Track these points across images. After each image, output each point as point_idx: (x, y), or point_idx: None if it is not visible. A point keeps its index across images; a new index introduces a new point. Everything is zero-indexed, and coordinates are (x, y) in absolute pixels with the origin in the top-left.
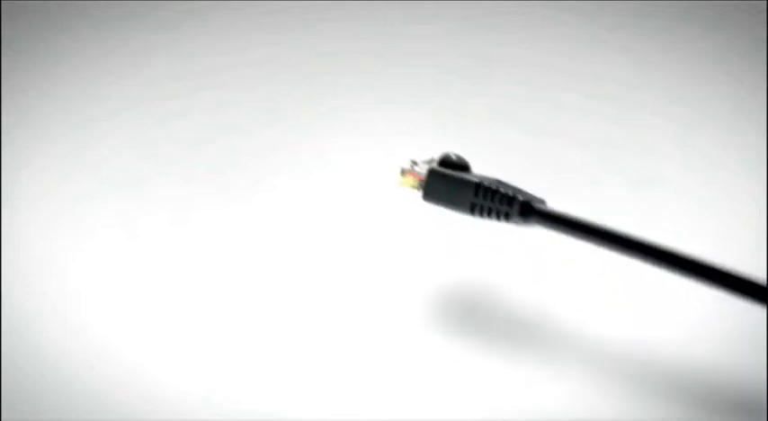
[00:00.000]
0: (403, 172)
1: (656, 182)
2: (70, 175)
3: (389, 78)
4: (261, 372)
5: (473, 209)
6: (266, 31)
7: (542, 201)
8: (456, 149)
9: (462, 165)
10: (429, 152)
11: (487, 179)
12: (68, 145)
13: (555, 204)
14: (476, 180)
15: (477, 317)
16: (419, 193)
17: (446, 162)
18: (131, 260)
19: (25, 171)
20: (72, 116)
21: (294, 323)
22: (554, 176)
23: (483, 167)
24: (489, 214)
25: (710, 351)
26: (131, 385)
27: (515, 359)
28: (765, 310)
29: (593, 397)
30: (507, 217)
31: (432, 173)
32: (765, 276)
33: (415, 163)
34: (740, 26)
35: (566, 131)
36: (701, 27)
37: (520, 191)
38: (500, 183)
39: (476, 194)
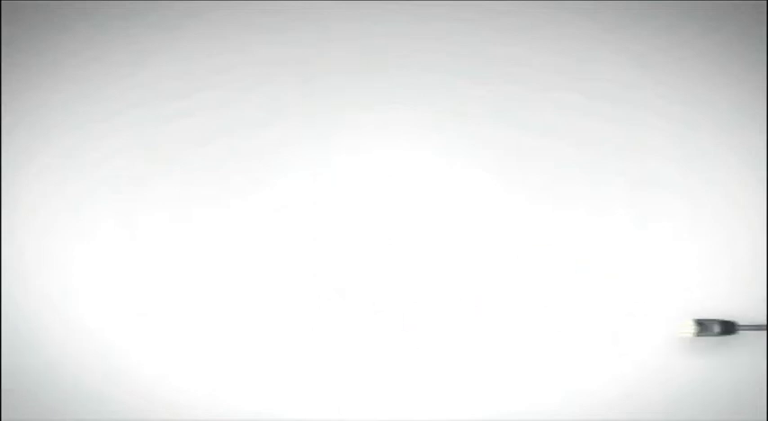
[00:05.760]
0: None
1: (656, 182)
2: (70, 175)
3: (390, 78)
4: (261, 371)
5: None
6: (266, 31)
7: None
8: (456, 149)
9: None
10: (429, 152)
11: None
12: (68, 145)
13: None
14: None
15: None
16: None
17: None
18: (131, 259)
19: (25, 171)
20: (72, 116)
21: (292, 322)
22: (554, 176)
23: (483, 167)
24: None
25: (710, 351)
26: (131, 384)
27: (513, 358)
28: (765, 310)
29: (592, 396)
30: None
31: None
32: (765, 276)
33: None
34: (740, 26)
35: (566, 131)
36: (701, 27)
37: None
38: None
39: None
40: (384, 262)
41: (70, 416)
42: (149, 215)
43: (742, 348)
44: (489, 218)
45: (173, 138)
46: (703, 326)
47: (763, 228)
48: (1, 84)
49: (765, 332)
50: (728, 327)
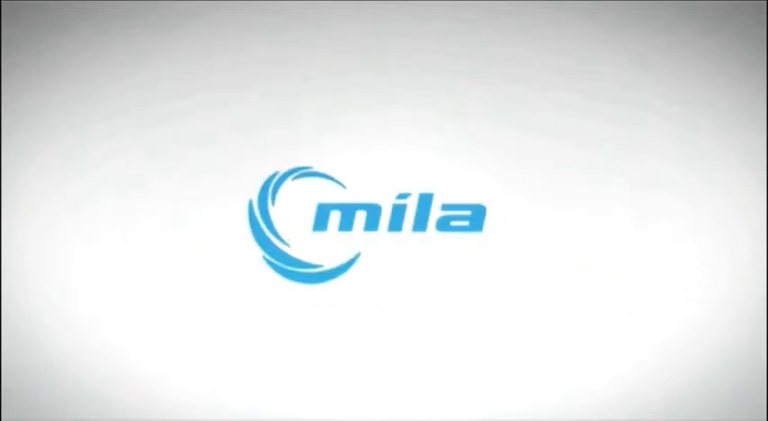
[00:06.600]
0: None
1: (656, 182)
2: (70, 175)
3: (390, 78)
4: (261, 371)
5: None
6: (266, 31)
7: None
8: (456, 149)
9: None
10: (429, 152)
11: None
12: (68, 145)
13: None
14: None
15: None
16: None
17: None
18: (131, 259)
19: (25, 171)
20: (72, 116)
21: (293, 321)
22: (554, 176)
23: (483, 167)
24: None
25: (711, 351)
26: (131, 384)
27: (515, 358)
28: (765, 310)
29: (592, 396)
30: None
31: None
32: (765, 276)
33: None
34: (740, 26)
35: (566, 131)
36: (701, 27)
37: None
38: None
39: None
40: (384, 262)
41: (70, 416)
42: (149, 215)
43: (740, 348)
44: (489, 217)
45: (173, 138)
46: None
47: (763, 228)
48: (1, 84)
49: (765, 333)
50: None
